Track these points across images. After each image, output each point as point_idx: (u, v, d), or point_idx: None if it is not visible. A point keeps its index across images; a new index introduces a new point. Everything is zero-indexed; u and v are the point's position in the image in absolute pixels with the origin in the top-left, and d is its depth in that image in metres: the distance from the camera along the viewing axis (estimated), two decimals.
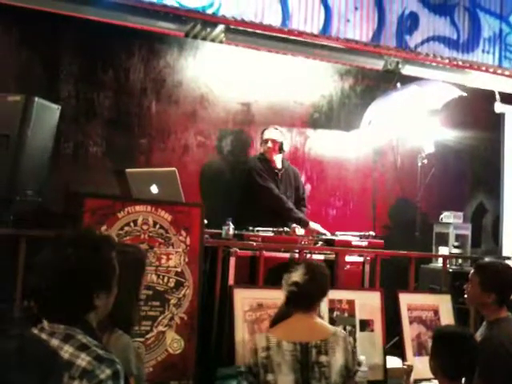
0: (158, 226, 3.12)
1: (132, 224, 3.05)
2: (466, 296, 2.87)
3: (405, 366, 3.56)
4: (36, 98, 3.42)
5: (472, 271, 2.84)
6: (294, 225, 4.23)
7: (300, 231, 4.28)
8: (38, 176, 3.56)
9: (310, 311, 2.55)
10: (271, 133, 4.59)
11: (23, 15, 4.09)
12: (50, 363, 1.37)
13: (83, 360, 1.49)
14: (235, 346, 3.27)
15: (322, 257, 4.00)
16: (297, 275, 2.52)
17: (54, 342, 1.53)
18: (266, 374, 2.40)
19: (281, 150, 4.62)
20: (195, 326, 3.15)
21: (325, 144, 5.38)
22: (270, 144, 4.55)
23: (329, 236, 4.30)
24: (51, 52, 4.43)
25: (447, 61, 5.40)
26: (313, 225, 4.43)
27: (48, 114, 3.58)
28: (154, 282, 3.06)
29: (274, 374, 2.40)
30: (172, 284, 3.11)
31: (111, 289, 1.69)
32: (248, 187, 4.53)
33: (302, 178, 5.16)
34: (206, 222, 3.38)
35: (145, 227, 3.08)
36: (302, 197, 4.77)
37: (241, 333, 3.32)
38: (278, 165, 4.62)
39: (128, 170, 3.55)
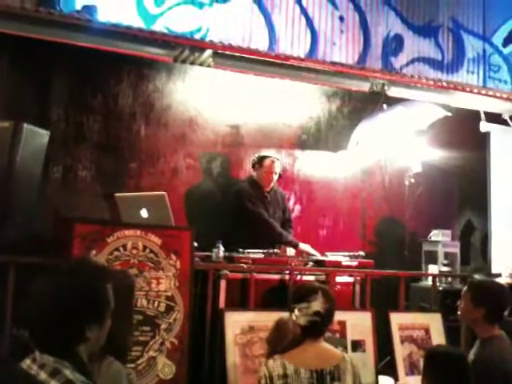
0: (147, 251, 3.12)
1: (121, 249, 3.05)
2: (459, 313, 2.91)
3: None
4: (25, 125, 3.43)
5: (465, 288, 2.89)
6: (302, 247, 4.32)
7: (290, 251, 4.31)
8: (27, 202, 3.56)
9: (321, 337, 2.57)
10: (276, 166, 4.60)
11: (13, 41, 4.12)
12: None
13: None
14: (227, 370, 3.25)
15: (312, 278, 4.00)
16: (317, 305, 2.51)
17: (43, 376, 1.52)
18: None
19: (278, 179, 4.70)
20: (186, 350, 3.13)
21: (313, 165, 5.42)
22: (274, 177, 4.58)
23: (319, 257, 4.32)
24: (41, 77, 4.46)
25: (432, 82, 5.49)
26: (303, 246, 4.44)
27: (37, 139, 3.59)
28: (145, 307, 3.05)
29: None
30: (162, 308, 3.10)
31: (104, 321, 1.67)
32: (238, 211, 4.54)
33: (292, 199, 5.19)
34: (195, 244, 3.38)
35: (134, 252, 3.08)
36: (289, 218, 4.80)
37: (232, 356, 3.30)
38: (268, 188, 4.65)
39: (117, 195, 3.56)
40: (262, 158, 4.63)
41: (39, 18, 4.03)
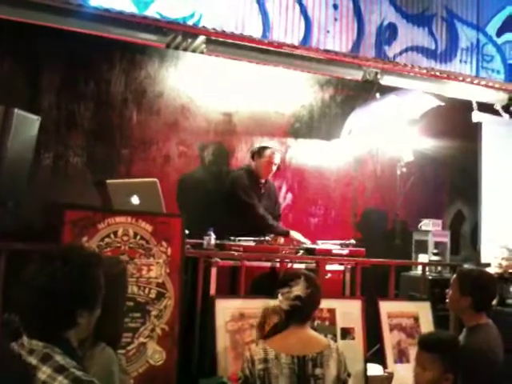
0: (138, 237, 3.11)
1: (112, 235, 3.04)
2: (447, 301, 2.94)
3: (386, 374, 3.61)
4: (16, 110, 3.40)
5: (453, 277, 2.92)
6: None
7: (281, 240, 4.32)
8: (17, 187, 3.54)
9: (306, 323, 2.59)
10: (276, 157, 4.61)
11: (4, 26, 4.07)
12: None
13: (61, 383, 1.48)
14: (217, 357, 3.27)
15: (302, 266, 4.02)
16: (298, 289, 2.53)
17: (33, 361, 1.52)
18: None
19: (276, 170, 4.71)
20: (176, 337, 3.14)
21: (306, 153, 5.42)
22: (273, 168, 4.59)
23: (309, 245, 4.34)
24: (32, 63, 4.42)
25: (425, 71, 5.49)
26: (293, 234, 4.46)
27: (28, 125, 3.56)
28: (135, 294, 3.05)
29: None
30: (153, 295, 3.10)
31: (95, 308, 1.68)
32: (231, 200, 4.53)
33: (284, 188, 5.20)
34: (187, 232, 3.38)
35: (125, 238, 3.07)
36: (278, 213, 4.80)
37: (222, 343, 3.32)
38: (265, 179, 4.65)
39: (109, 181, 3.55)
40: (262, 149, 4.62)
41: (30, 2, 3.98)
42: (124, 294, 2.23)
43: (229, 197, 4.56)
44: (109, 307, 1.81)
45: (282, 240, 4.30)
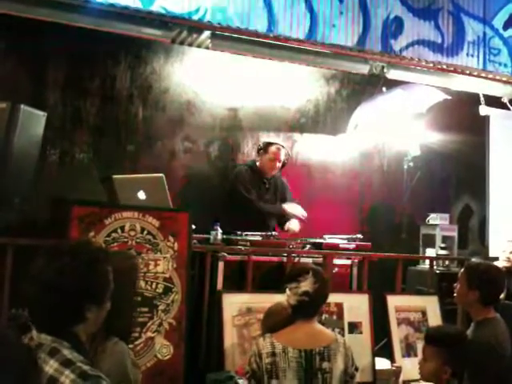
0: (145, 232, 3.12)
1: (119, 230, 3.04)
2: (454, 295, 2.93)
3: (393, 368, 3.61)
4: (22, 106, 3.40)
5: (461, 271, 2.91)
6: (288, 224, 4.43)
7: (292, 225, 4.36)
8: (24, 184, 3.55)
9: (313, 318, 2.59)
10: (281, 154, 4.60)
11: (9, 22, 4.08)
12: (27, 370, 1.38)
13: (67, 377, 1.48)
14: (224, 351, 3.27)
15: (309, 260, 4.01)
16: (306, 284, 2.53)
17: (40, 355, 1.53)
18: (270, 380, 2.44)
19: (282, 167, 4.70)
20: (184, 331, 3.14)
21: (312, 148, 5.41)
22: (278, 164, 4.59)
23: (316, 239, 4.33)
24: (37, 59, 4.42)
25: (432, 65, 5.46)
26: (287, 207, 4.49)
27: (34, 121, 3.56)
28: (142, 288, 3.05)
29: (279, 380, 2.44)
30: (160, 290, 3.11)
31: (104, 303, 1.68)
32: (233, 195, 4.53)
33: (290, 182, 5.19)
34: (193, 227, 3.38)
35: (132, 233, 3.07)
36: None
37: (230, 338, 3.32)
38: (269, 175, 4.63)
39: (115, 177, 3.54)
40: (267, 145, 4.62)
41: None
42: (134, 288, 2.23)
43: (231, 191, 4.56)
44: (119, 302, 1.82)
45: (291, 225, 4.30)
